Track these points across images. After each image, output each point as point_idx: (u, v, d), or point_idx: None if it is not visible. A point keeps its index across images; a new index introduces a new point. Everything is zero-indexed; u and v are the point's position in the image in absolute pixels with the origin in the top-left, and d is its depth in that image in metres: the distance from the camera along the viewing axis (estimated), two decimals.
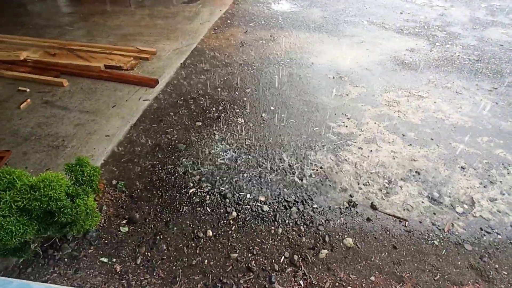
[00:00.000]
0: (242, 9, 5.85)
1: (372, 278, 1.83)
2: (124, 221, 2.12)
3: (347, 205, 2.26)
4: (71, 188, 1.74)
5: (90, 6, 5.92)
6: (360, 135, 2.90)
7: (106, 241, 2.00)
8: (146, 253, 1.94)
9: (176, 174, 2.46)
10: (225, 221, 2.12)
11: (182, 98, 3.36)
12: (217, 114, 3.11)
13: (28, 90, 3.43)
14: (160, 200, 2.27)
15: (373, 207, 2.25)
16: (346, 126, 3.00)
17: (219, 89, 3.51)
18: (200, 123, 2.99)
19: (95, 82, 3.56)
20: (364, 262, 1.91)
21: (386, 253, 1.96)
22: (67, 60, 3.89)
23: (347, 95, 3.46)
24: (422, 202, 2.30)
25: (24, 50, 4.08)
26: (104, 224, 2.10)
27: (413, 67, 4.07)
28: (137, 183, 2.40)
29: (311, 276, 1.83)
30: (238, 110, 3.17)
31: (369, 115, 3.17)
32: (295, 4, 6.20)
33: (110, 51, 4.08)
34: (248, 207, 2.22)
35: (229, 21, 5.33)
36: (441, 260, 1.93)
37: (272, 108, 3.21)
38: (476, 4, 6.61)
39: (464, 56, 4.41)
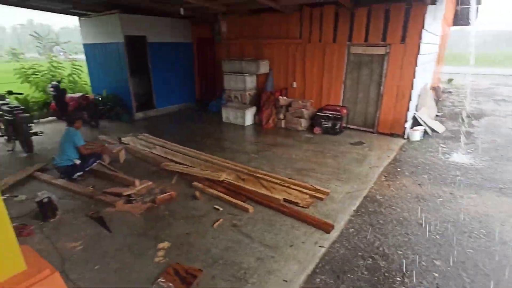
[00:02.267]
0: (412, 157, 5.69)
1: None
2: None
3: None
4: None
5: (271, 137, 6.96)
6: None
7: None
8: None
9: None
10: None
11: (359, 254, 3.15)
12: None
13: (221, 209, 3.94)
14: None
15: None
16: None
17: (400, 252, 3.16)
18: None
19: (275, 214, 3.80)
20: None
21: None
22: (253, 187, 4.41)
23: None
24: None
25: (223, 171, 4.91)
26: None
27: None
28: None
29: None
30: None
31: None
32: (474, 157, 5.63)
33: (289, 185, 4.44)
34: None
35: (398, 169, 5.19)
36: None
37: None
38: None
39: None
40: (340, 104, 7.39)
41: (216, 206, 3.99)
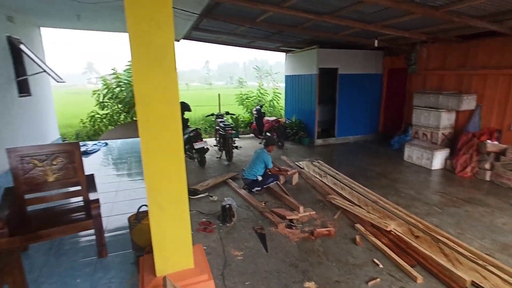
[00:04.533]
0: None
1: None
2: None
3: None
4: None
5: (465, 190, 5.38)
6: None
7: None
8: None
9: None
10: None
11: None
12: None
13: (381, 266, 3.29)
14: None
15: None
16: None
17: None
18: None
19: None
20: None
21: None
22: (429, 250, 3.46)
23: None
24: None
25: (392, 220, 4.17)
26: None
27: None
28: None
29: None
30: None
31: None
32: None
33: (484, 264, 3.20)
34: None
35: None
36: None
37: None
38: None
39: None
40: None
41: (375, 260, 3.38)
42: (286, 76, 10.75)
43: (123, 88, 10.83)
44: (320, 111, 9.24)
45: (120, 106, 10.96)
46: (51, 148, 3.31)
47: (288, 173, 5.74)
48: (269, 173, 5.47)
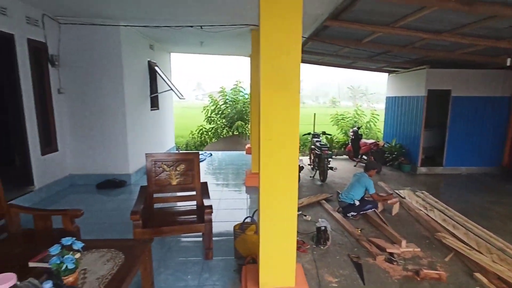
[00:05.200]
0: None
1: None
2: None
3: None
4: None
5: None
6: None
7: None
8: None
9: None
10: None
11: None
12: None
13: None
14: None
15: None
16: None
17: None
18: None
19: None
20: None
21: None
22: None
23: None
24: None
25: None
26: None
27: None
28: None
29: None
30: None
31: None
32: None
33: None
34: None
35: None
36: None
37: None
38: None
39: None
40: None
41: None
42: (388, 98, 10.03)
43: (228, 105, 11.87)
44: (425, 136, 8.25)
45: (224, 121, 12.02)
46: (176, 156, 3.83)
47: (389, 201, 5.25)
48: (366, 198, 5.11)
